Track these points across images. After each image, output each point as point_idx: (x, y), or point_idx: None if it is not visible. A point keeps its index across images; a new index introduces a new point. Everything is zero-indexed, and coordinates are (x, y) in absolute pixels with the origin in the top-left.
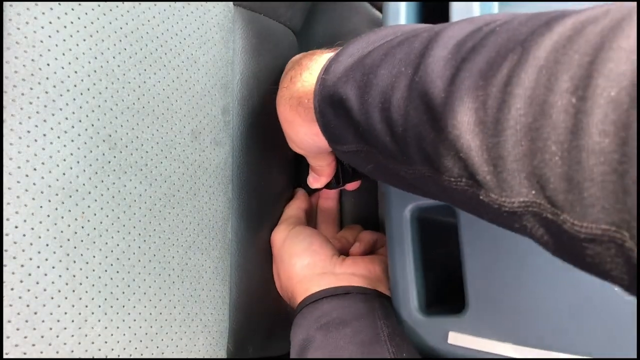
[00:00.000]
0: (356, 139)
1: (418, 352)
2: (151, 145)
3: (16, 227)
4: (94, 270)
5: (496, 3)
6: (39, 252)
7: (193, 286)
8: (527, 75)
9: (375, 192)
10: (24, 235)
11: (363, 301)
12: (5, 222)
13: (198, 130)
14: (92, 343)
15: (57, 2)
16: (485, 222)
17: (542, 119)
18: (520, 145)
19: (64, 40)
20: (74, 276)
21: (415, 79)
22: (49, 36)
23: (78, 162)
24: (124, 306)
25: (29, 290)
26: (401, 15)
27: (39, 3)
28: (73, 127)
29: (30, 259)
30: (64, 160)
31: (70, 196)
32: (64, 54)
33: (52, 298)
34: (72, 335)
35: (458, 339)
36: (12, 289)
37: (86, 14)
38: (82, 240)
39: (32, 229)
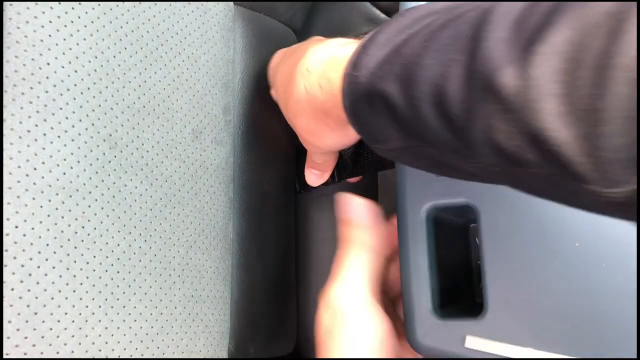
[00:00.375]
0: (401, 135)
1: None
2: (152, 145)
3: (16, 226)
4: (94, 271)
5: None
6: (39, 252)
7: (194, 286)
8: (628, 52)
9: (374, 189)
10: (24, 235)
11: None
12: (5, 222)
13: (199, 129)
14: (93, 343)
15: (57, 1)
16: (506, 224)
17: None
18: (624, 133)
19: (64, 39)
20: (75, 276)
21: (473, 67)
22: (49, 35)
23: (78, 161)
24: (124, 306)
25: (29, 291)
26: None
27: (39, 2)
28: (73, 126)
29: (31, 259)
30: (64, 159)
31: (71, 196)
32: (64, 53)
33: (53, 298)
34: (73, 336)
35: (476, 343)
36: (12, 289)
37: (86, 13)
38: (82, 240)
39: (33, 228)
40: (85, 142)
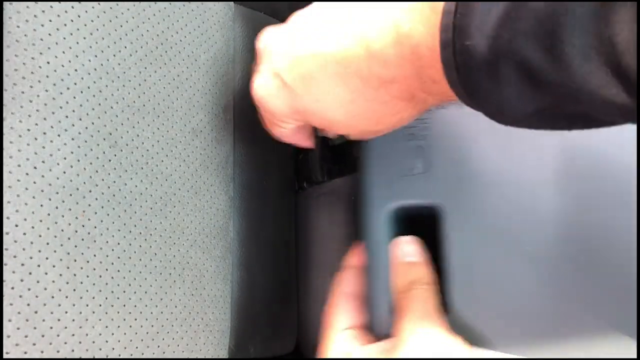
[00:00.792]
0: (536, 100)
1: None
2: (152, 144)
3: (16, 225)
4: (94, 269)
5: None
6: (39, 251)
7: (194, 285)
8: None
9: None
10: (25, 233)
11: None
12: (5, 221)
13: (199, 128)
14: (93, 342)
15: (57, 1)
16: (471, 225)
17: None
18: None
19: (64, 38)
20: (75, 275)
21: None
22: (49, 34)
23: (78, 160)
24: (124, 305)
25: (29, 289)
26: None
27: (39, 1)
28: (73, 125)
29: (31, 257)
30: (65, 158)
31: (71, 194)
32: (64, 52)
33: (53, 297)
34: (73, 335)
35: None
36: (12, 288)
37: (86, 12)
38: (82, 239)
39: (33, 227)
40: (85, 141)
